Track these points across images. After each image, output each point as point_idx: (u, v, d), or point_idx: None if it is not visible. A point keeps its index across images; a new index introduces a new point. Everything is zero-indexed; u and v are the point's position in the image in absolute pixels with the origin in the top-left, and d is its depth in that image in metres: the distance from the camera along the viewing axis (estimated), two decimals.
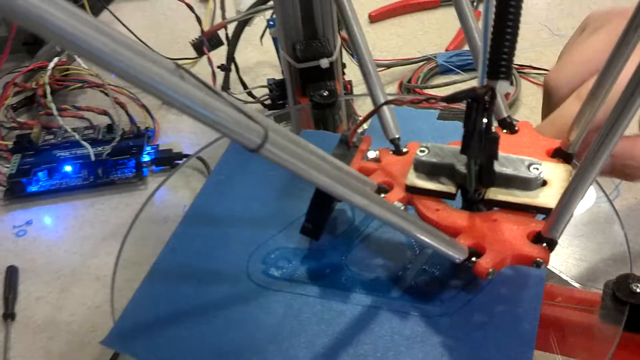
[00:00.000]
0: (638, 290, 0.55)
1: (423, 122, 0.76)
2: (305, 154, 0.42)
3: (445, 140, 0.61)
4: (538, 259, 0.51)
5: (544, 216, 0.55)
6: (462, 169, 0.55)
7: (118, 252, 0.68)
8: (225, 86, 0.99)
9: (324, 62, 0.82)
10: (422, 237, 0.50)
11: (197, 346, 0.58)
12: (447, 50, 1.16)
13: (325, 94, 0.80)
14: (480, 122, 0.49)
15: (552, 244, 0.52)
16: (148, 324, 0.61)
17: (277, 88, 0.95)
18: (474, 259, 0.52)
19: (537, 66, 1.09)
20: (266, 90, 0.98)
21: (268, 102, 0.97)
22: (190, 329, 0.59)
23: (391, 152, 0.63)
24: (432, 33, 1.26)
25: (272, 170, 0.74)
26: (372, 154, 0.62)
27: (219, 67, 0.99)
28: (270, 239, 0.67)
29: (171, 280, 0.64)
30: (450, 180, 0.57)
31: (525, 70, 1.09)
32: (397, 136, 0.63)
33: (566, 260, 0.74)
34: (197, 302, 0.62)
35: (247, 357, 0.57)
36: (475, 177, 0.53)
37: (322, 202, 0.60)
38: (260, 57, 1.22)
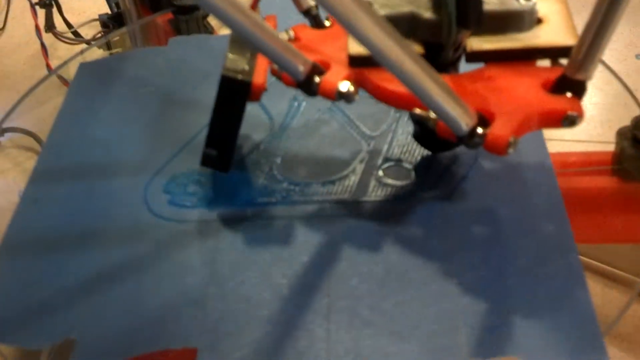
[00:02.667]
0: None
1: None
2: None
3: None
4: (570, 113, 0.36)
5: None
6: (428, 14, 0.39)
7: None
8: (50, 25, 0.78)
9: None
10: (430, 93, 0.34)
11: (108, 319, 0.40)
12: None
13: None
14: None
15: (580, 89, 0.37)
16: (22, 306, 0.41)
17: (113, 21, 0.76)
18: (480, 130, 0.36)
19: None
20: (93, 30, 0.79)
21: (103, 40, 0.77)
22: (87, 301, 0.41)
23: (309, 28, 0.47)
24: None
25: (142, 86, 0.55)
26: (284, 35, 0.45)
27: (37, 3, 0.78)
28: (166, 165, 0.49)
29: (41, 243, 0.45)
30: (411, 37, 0.41)
31: None
32: (312, 4, 0.46)
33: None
34: (89, 266, 0.43)
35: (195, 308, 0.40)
36: (455, 15, 0.38)
37: (229, 113, 0.43)
38: None
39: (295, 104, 0.53)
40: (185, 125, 0.52)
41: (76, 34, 0.82)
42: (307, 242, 0.43)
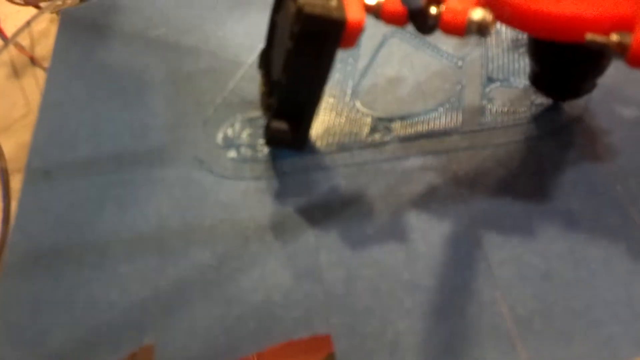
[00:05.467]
0: None
1: None
2: None
3: None
4: None
5: None
6: None
7: None
8: None
9: None
10: None
11: (193, 314, 0.29)
12: None
13: None
14: None
15: None
16: (67, 313, 0.30)
17: None
18: None
19: None
20: None
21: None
22: (158, 294, 0.30)
23: None
24: None
25: (150, 28, 0.43)
26: None
27: None
28: (214, 113, 0.37)
29: (69, 227, 0.33)
30: None
31: None
32: None
33: None
34: (145, 249, 0.32)
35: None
36: None
37: (312, 67, 0.31)
38: None
39: None
40: (220, 68, 0.41)
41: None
42: (427, 185, 0.34)
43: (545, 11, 0.28)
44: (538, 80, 0.36)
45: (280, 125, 0.32)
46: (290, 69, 0.31)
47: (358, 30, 0.30)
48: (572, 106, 0.37)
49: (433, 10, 0.29)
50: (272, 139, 0.33)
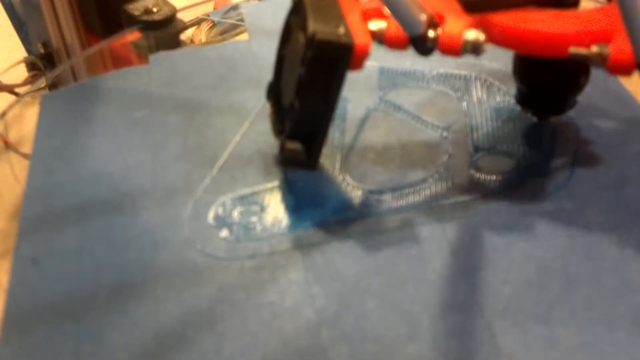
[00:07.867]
0: None
1: None
2: None
3: None
4: None
5: None
6: None
7: None
8: None
9: None
10: None
11: None
12: (215, 8, 0.92)
13: (154, 9, 0.52)
14: None
15: None
16: None
17: (45, 61, 0.64)
18: None
19: None
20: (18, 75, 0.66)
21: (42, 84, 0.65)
22: None
23: None
24: None
25: (133, 110, 0.43)
26: None
27: None
28: (204, 193, 0.37)
29: (61, 314, 0.33)
30: None
31: None
32: None
33: None
34: (144, 333, 0.31)
35: None
36: None
37: (324, 89, 0.33)
38: None
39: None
40: (207, 145, 0.41)
41: None
42: (422, 256, 0.34)
43: (532, 30, 0.32)
44: (524, 99, 0.39)
45: (295, 146, 0.35)
46: (302, 93, 0.33)
47: (365, 53, 0.32)
48: (558, 172, 0.37)
49: (431, 33, 0.32)
50: (287, 159, 0.35)
